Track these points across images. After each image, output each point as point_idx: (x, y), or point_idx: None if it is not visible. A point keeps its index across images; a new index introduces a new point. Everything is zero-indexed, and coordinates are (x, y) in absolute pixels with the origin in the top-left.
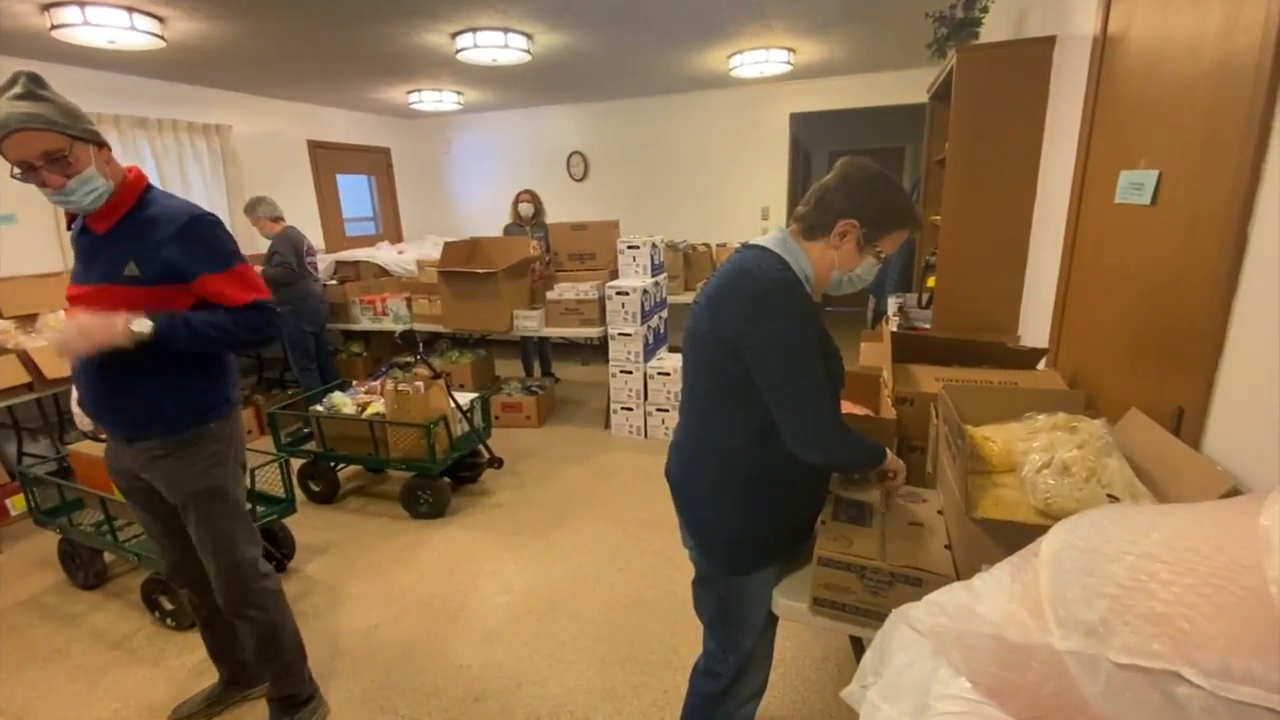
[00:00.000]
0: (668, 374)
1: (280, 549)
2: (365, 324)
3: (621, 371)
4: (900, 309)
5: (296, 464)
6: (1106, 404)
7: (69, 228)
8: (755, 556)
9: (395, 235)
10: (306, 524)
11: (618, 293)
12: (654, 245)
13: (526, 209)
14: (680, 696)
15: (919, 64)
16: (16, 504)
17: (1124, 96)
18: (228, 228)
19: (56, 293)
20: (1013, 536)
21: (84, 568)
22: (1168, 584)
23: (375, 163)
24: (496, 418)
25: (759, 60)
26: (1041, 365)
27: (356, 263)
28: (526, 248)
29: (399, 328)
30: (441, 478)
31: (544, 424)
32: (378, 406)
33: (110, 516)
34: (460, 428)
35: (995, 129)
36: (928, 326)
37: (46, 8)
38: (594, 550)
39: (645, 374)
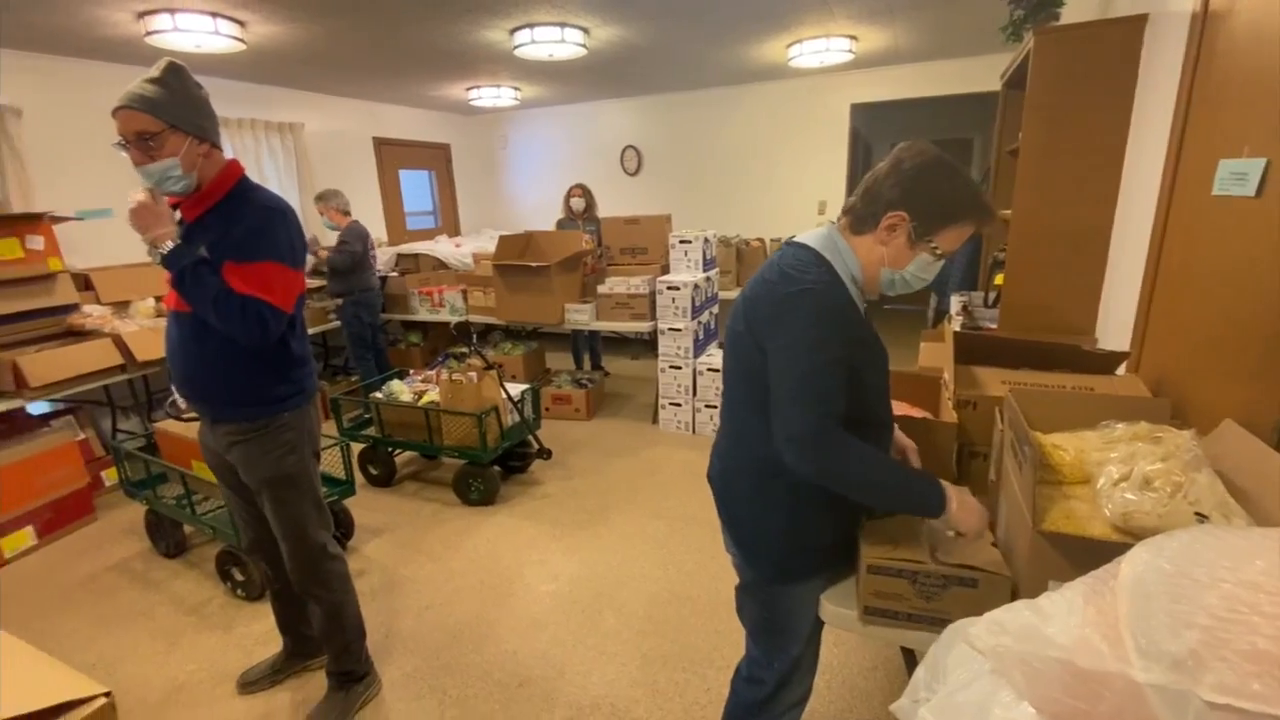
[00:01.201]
0: (717, 370)
1: (340, 529)
2: (423, 315)
3: (671, 367)
4: (964, 308)
5: (356, 448)
6: (1196, 414)
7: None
8: (802, 567)
9: (453, 229)
10: (365, 505)
11: (668, 287)
12: (706, 240)
13: (578, 203)
14: (722, 697)
15: (990, 49)
16: (110, 475)
17: (1226, 78)
18: (300, 223)
19: (147, 281)
20: (1084, 553)
21: (166, 537)
22: (1273, 618)
23: (435, 158)
24: (546, 409)
25: (819, 50)
26: (1121, 370)
27: (416, 255)
28: (579, 242)
29: (454, 319)
30: (492, 466)
31: (593, 417)
32: (433, 395)
33: (189, 491)
34: (511, 418)
35: (1075, 116)
36: (994, 327)
37: (141, 15)
38: (639, 544)
39: (694, 370)
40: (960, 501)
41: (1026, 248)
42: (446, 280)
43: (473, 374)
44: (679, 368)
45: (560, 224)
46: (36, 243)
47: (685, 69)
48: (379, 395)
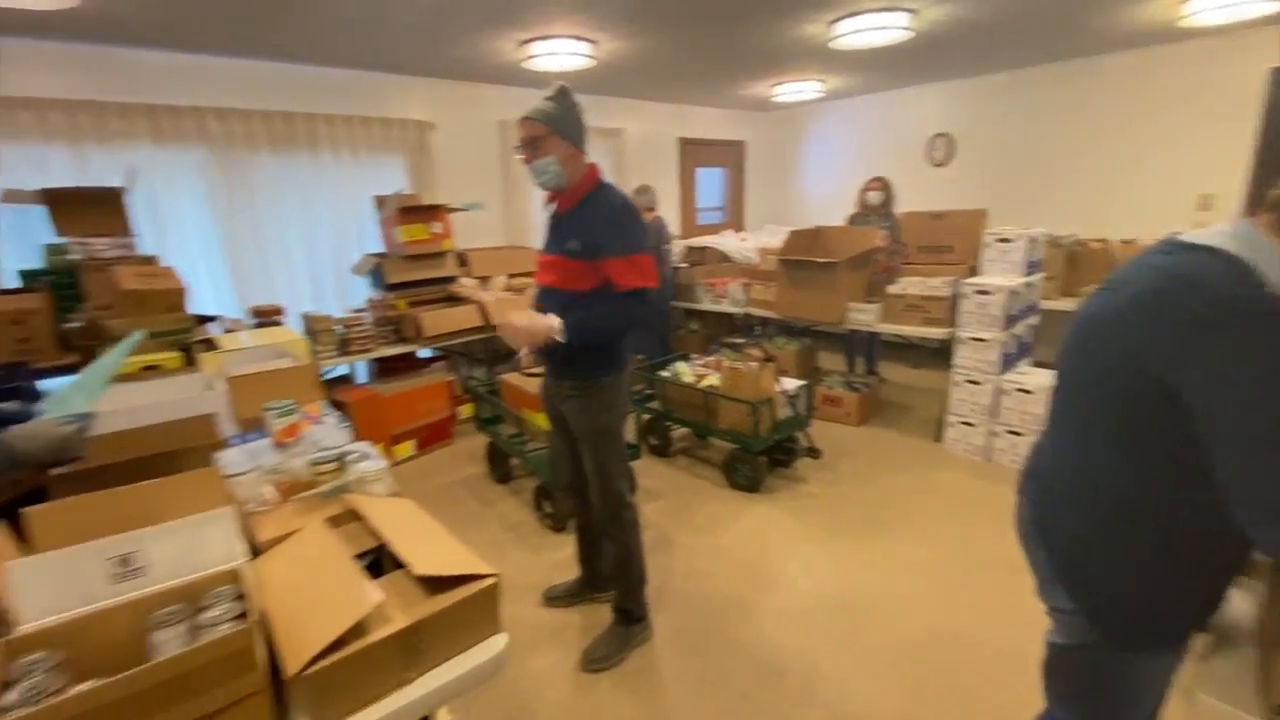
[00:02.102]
0: (1029, 392)
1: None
2: (706, 304)
3: (968, 381)
4: None
5: (641, 419)
6: None
7: (545, 206)
8: (1160, 632)
9: (739, 224)
10: (644, 470)
11: (978, 291)
12: (1033, 240)
13: (876, 197)
14: None
15: None
16: (464, 411)
17: None
18: None
19: (505, 261)
20: None
21: (499, 466)
22: None
23: (731, 155)
24: (814, 408)
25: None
26: None
27: (704, 248)
28: (872, 238)
29: (735, 310)
30: (760, 455)
31: (863, 424)
32: (711, 380)
33: (520, 432)
34: (784, 412)
35: None
36: None
37: (523, 43)
38: (914, 569)
39: (999, 388)
40: None
41: None
42: (729, 273)
43: (753, 364)
44: (977, 383)
45: (853, 219)
46: (437, 227)
47: (1026, 42)
48: (665, 374)
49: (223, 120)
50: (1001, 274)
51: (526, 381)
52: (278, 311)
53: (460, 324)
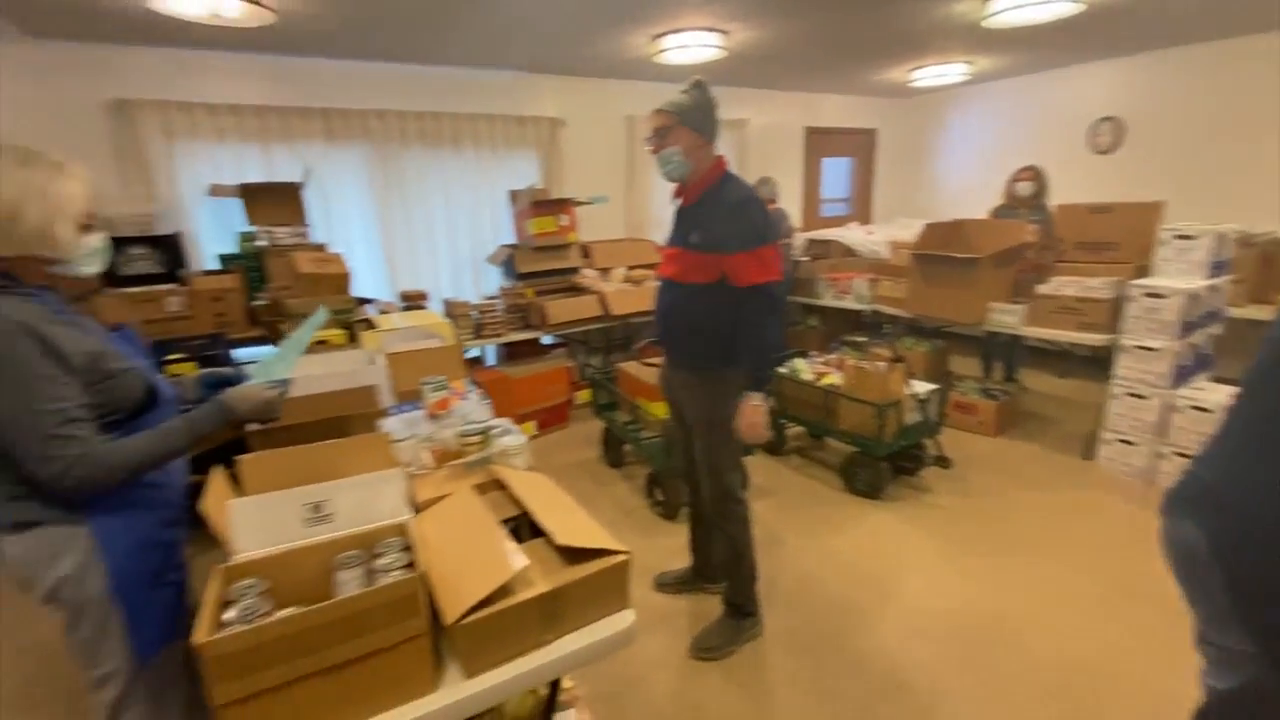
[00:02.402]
0: (1206, 410)
1: None
2: (827, 300)
3: (1129, 394)
4: None
5: None
6: None
7: (672, 200)
8: None
9: (865, 216)
10: (755, 467)
11: (1149, 294)
12: (1220, 237)
13: (1026, 188)
14: None
15: None
16: (581, 396)
17: None
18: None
19: (625, 253)
20: None
21: (613, 451)
22: None
23: (860, 145)
24: (946, 415)
25: None
26: None
27: (827, 241)
28: (1020, 232)
29: (860, 307)
30: (883, 461)
31: (999, 434)
32: (832, 379)
33: (635, 419)
34: (912, 417)
35: None
36: None
37: (655, 37)
38: (1054, 595)
39: (1169, 403)
40: None
41: None
42: (855, 267)
43: (881, 364)
44: (1142, 397)
45: (998, 212)
46: (564, 220)
47: (1221, 12)
48: (781, 370)
49: (382, 120)
50: (1179, 275)
51: (643, 370)
52: (423, 296)
53: (581, 313)
